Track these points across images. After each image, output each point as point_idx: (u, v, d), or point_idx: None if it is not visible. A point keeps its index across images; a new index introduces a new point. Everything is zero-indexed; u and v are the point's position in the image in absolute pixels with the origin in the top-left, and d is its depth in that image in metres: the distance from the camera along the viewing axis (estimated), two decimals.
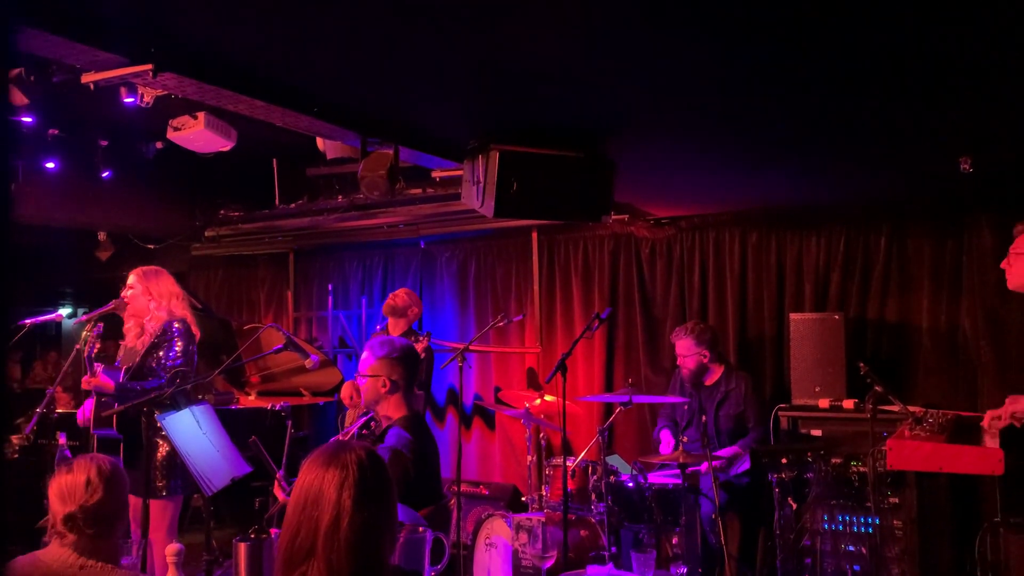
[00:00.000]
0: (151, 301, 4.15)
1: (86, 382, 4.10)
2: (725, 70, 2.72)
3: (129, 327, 4.23)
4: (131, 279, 4.23)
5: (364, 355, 3.37)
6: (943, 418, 3.87)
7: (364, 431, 3.16)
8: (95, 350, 4.16)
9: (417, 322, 5.86)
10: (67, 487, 2.18)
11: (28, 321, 4.34)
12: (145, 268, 4.29)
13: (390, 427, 3.22)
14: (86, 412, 4.16)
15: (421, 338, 5.20)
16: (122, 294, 4.23)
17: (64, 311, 9.49)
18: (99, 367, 4.09)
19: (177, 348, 4.06)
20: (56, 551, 2.18)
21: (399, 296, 5.62)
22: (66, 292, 10.35)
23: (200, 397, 4.09)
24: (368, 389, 3.33)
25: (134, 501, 4.06)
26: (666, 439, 4.93)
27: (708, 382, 4.94)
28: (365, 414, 3.44)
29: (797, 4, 2.19)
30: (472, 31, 2.38)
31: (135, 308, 4.18)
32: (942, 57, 2.57)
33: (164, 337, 4.09)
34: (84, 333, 4.26)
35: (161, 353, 4.08)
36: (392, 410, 3.30)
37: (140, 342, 4.16)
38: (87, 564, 2.15)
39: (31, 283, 8.97)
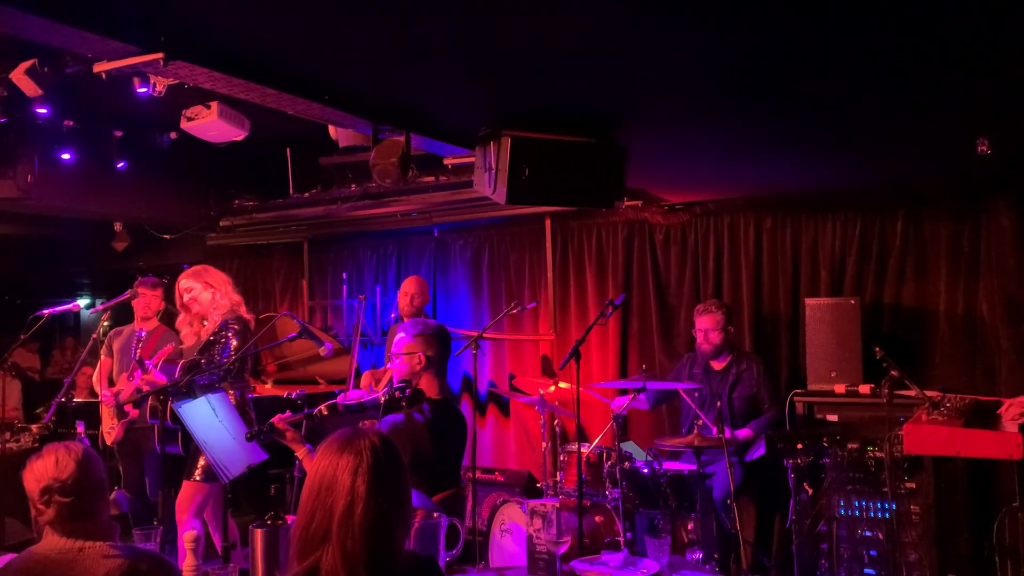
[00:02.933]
0: (215, 292, 4.24)
1: (140, 379, 4.15)
2: (737, 54, 2.69)
3: (186, 333, 4.30)
4: (185, 283, 4.28)
5: (399, 336, 3.43)
6: (960, 402, 3.84)
7: (397, 393, 3.19)
8: (138, 351, 4.26)
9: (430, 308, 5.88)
10: (38, 469, 2.20)
11: (46, 311, 4.39)
12: (194, 268, 4.40)
13: (422, 401, 3.26)
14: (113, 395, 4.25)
15: None
16: (180, 303, 4.28)
17: (82, 301, 9.58)
18: (151, 364, 4.16)
19: (232, 347, 4.12)
20: (49, 541, 2.17)
21: (416, 298, 5.66)
22: (83, 283, 10.44)
23: (217, 386, 4.12)
24: (403, 367, 3.37)
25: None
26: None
27: (718, 366, 4.93)
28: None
29: None
30: (483, 16, 2.37)
31: (200, 306, 4.26)
32: (957, 34, 2.54)
33: (219, 335, 4.16)
34: (101, 327, 4.33)
35: (215, 350, 4.14)
36: (425, 389, 3.33)
37: (205, 331, 4.24)
38: (85, 545, 2.14)
39: (49, 273, 9.08)
